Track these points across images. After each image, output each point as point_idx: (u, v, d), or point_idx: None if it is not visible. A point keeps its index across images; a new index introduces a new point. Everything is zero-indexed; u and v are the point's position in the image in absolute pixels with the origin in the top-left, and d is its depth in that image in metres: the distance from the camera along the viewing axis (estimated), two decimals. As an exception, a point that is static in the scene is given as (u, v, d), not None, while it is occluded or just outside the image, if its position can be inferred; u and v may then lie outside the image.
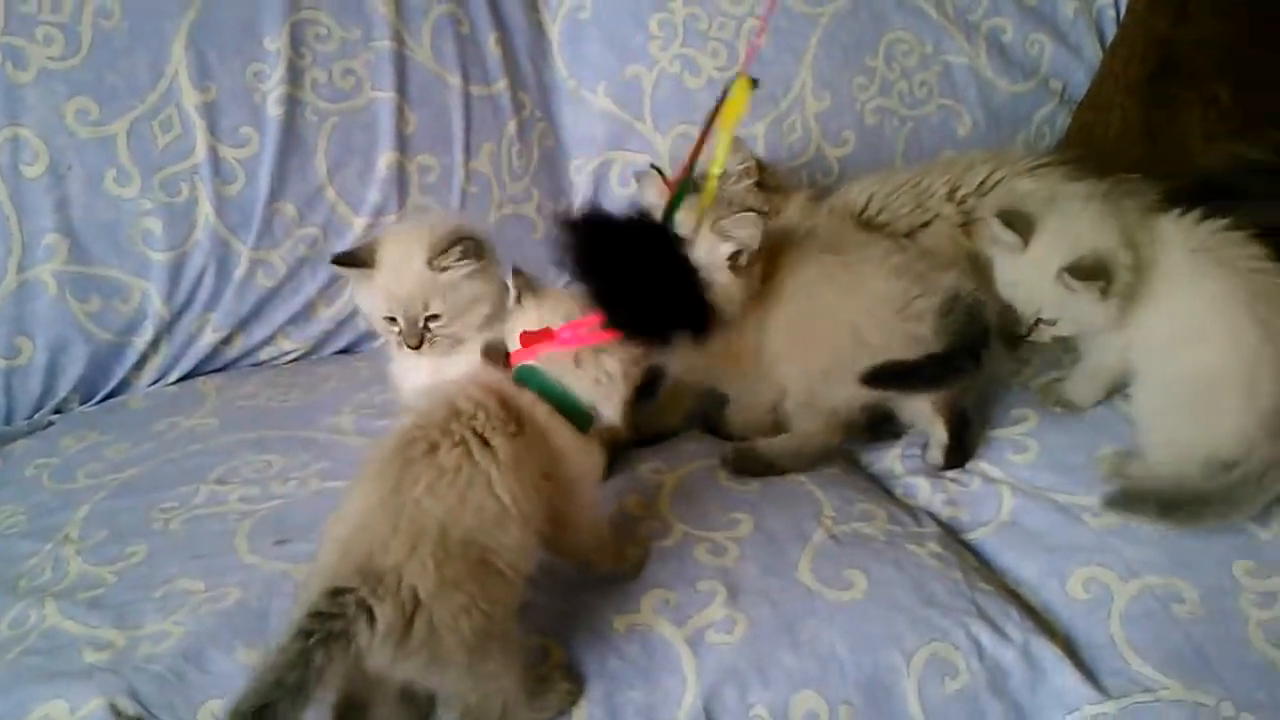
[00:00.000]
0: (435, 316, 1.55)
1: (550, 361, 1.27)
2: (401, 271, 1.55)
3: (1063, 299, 1.55)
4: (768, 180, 1.97)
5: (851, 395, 1.59)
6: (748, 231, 1.52)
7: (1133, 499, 1.48)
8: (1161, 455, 1.52)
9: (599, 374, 1.28)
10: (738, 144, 1.99)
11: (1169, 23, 2.21)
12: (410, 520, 1.10)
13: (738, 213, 1.53)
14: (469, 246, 1.54)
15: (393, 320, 1.56)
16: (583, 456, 1.29)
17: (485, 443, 1.17)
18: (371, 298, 1.58)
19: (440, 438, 1.17)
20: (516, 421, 1.21)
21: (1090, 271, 1.52)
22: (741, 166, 1.94)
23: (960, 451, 1.65)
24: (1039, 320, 1.60)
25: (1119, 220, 1.58)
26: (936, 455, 1.66)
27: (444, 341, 1.57)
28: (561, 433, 1.26)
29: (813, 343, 1.59)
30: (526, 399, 1.25)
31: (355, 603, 1.03)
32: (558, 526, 1.25)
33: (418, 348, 1.56)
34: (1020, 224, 1.59)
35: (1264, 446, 1.45)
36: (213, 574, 1.42)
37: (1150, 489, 1.48)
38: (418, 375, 1.61)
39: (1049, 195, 1.77)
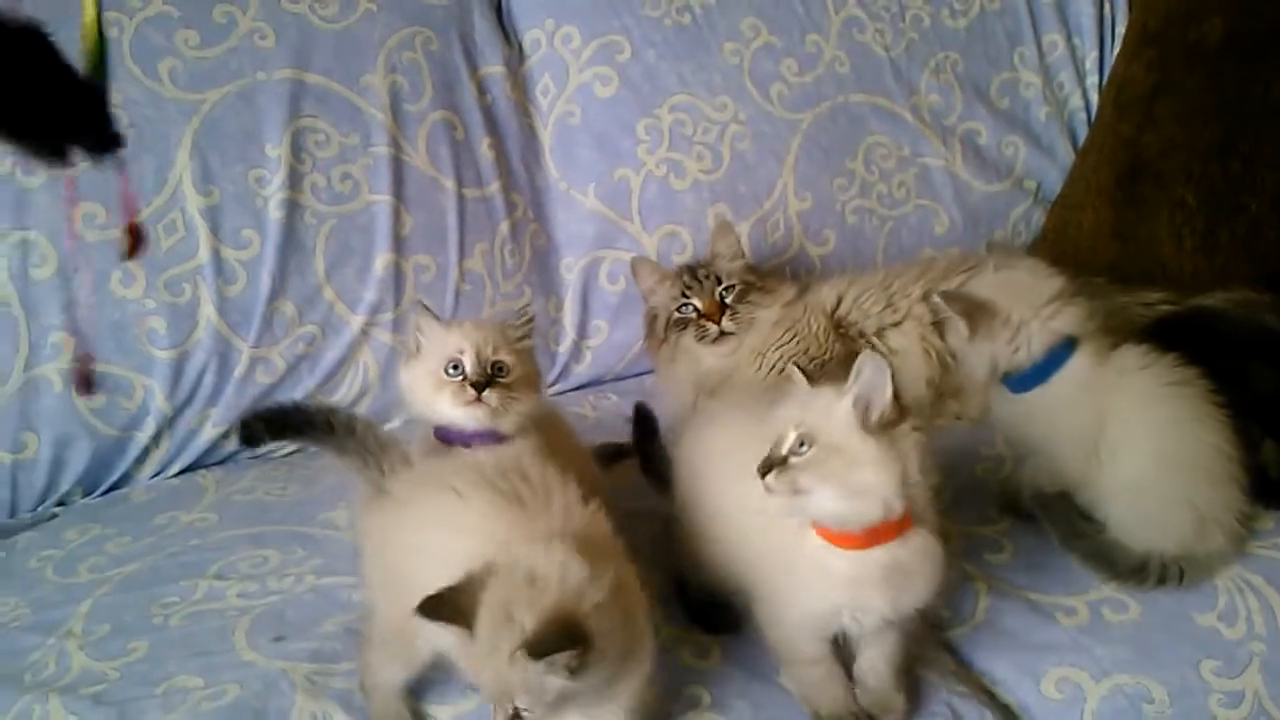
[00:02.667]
0: None
1: None
2: None
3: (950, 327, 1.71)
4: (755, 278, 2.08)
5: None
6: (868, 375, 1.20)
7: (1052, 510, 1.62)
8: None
9: None
10: (727, 229, 2.11)
11: (1135, 128, 2.31)
12: None
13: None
14: None
15: None
16: None
17: None
18: None
19: None
20: None
21: (960, 307, 1.63)
22: (731, 250, 2.08)
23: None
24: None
25: (1038, 298, 1.65)
26: None
27: None
28: None
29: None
30: None
31: None
32: None
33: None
34: None
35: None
36: (212, 671, 1.45)
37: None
38: None
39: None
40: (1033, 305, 1.64)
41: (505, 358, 1.49)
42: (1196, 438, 1.59)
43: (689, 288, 2.05)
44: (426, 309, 1.56)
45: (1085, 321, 1.65)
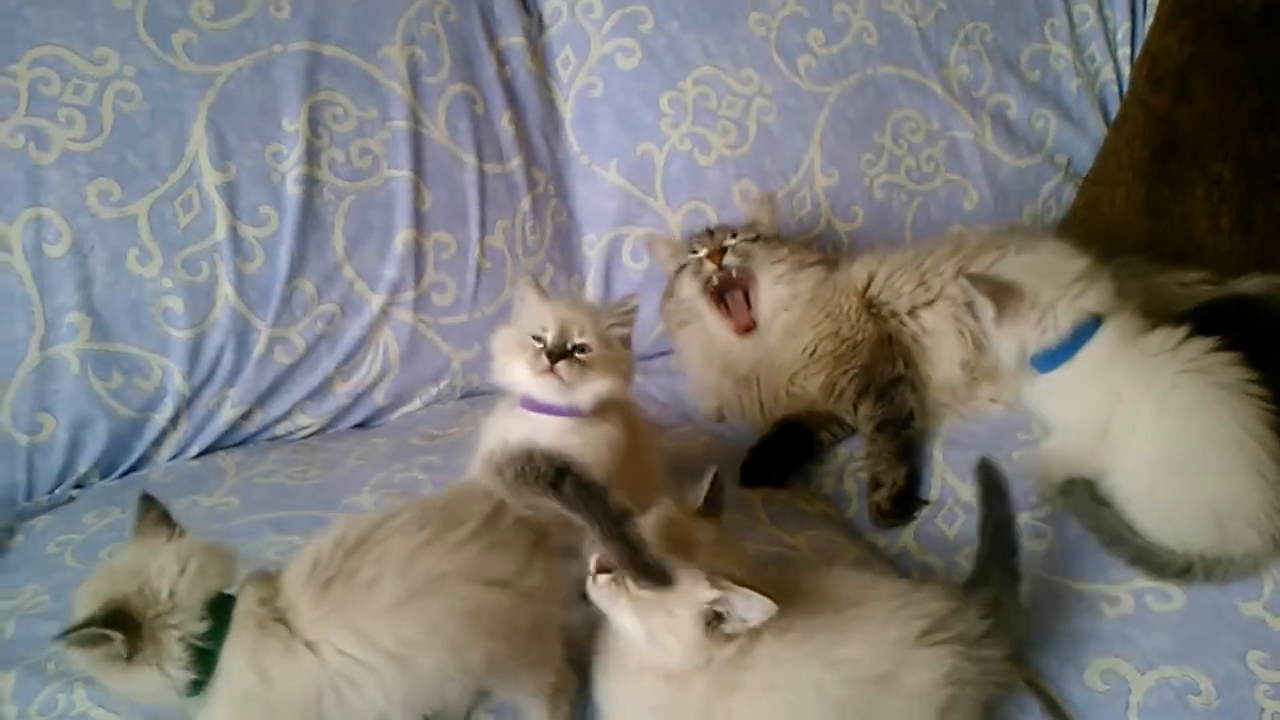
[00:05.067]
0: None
1: None
2: None
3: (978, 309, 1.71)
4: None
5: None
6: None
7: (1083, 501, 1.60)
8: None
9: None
10: (766, 199, 2.14)
11: (1169, 102, 2.25)
12: None
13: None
14: None
15: None
16: None
17: None
18: None
19: None
20: None
21: (987, 289, 1.63)
22: (766, 220, 2.09)
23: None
24: None
25: (1071, 281, 1.63)
26: None
27: None
28: None
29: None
30: None
31: None
32: None
33: None
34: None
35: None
36: (238, 662, 1.43)
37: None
38: None
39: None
40: (1059, 285, 1.63)
41: (589, 340, 1.50)
42: (1210, 430, 1.53)
43: (698, 241, 2.05)
44: (534, 280, 1.58)
45: (1113, 300, 1.63)
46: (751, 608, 1.17)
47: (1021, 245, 1.80)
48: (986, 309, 1.66)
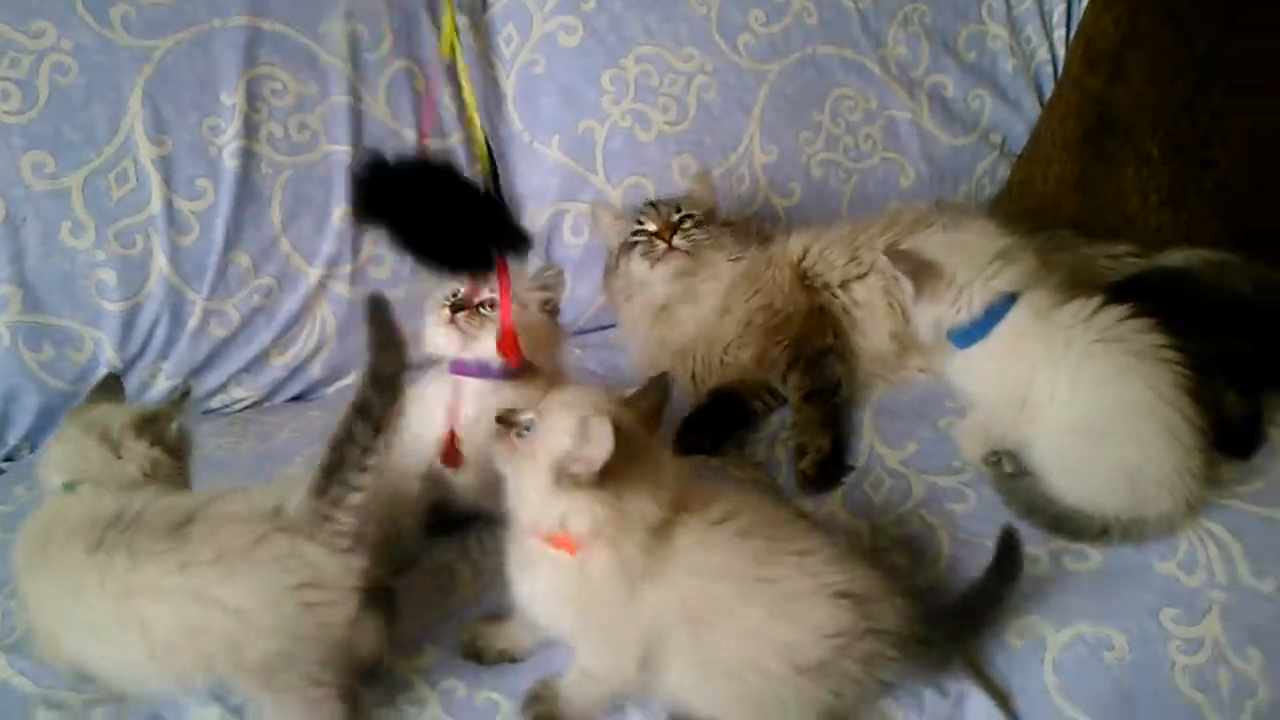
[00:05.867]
0: None
1: None
2: None
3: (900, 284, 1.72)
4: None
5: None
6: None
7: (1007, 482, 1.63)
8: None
9: None
10: (705, 176, 2.17)
11: (1103, 82, 2.28)
12: None
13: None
14: None
15: None
16: None
17: None
18: None
19: None
20: None
21: (906, 267, 1.65)
22: (704, 196, 2.12)
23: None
24: None
25: (988, 262, 1.64)
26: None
27: None
28: None
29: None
30: None
31: None
32: None
33: None
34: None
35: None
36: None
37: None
38: None
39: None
40: (977, 265, 1.63)
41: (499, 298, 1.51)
42: (1123, 396, 1.54)
43: (644, 215, 2.06)
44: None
45: (1030, 277, 1.64)
46: (589, 434, 1.19)
47: (948, 222, 1.82)
48: (906, 286, 1.68)
